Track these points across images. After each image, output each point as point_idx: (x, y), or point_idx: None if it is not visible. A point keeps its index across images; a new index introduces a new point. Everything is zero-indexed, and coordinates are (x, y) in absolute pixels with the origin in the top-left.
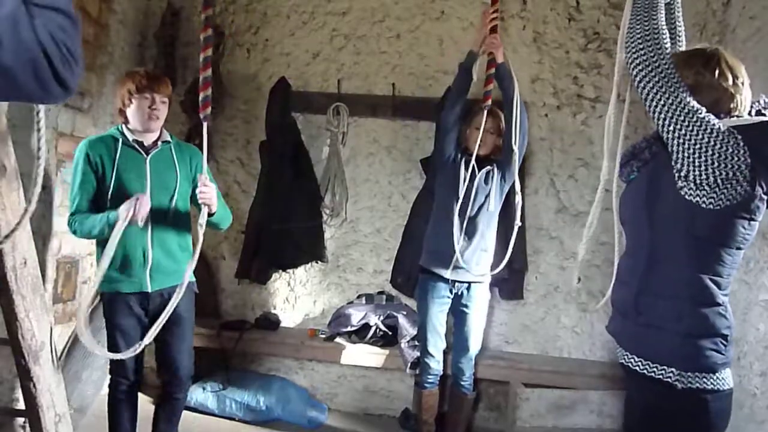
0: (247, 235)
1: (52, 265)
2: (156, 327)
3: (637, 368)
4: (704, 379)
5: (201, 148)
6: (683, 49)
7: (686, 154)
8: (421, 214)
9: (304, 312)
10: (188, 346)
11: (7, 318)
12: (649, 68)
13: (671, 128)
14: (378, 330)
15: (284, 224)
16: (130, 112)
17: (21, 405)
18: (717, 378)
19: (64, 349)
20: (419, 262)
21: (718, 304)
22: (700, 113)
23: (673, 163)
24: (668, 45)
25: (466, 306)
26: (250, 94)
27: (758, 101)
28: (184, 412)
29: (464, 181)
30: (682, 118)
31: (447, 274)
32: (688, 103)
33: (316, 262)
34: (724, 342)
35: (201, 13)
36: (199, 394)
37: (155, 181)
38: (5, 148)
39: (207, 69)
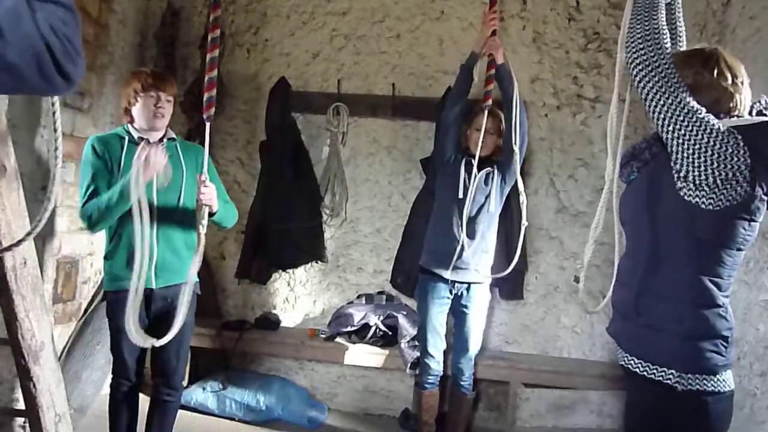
0: (247, 235)
1: (52, 265)
2: (172, 332)
3: (637, 370)
4: (705, 381)
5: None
6: (684, 49)
7: (686, 155)
8: (421, 214)
9: (304, 312)
10: (185, 351)
11: (7, 318)
12: (649, 68)
13: (671, 128)
14: (378, 330)
15: (284, 224)
16: (136, 110)
17: (21, 405)
18: (717, 380)
19: (64, 349)
20: (419, 263)
21: (719, 306)
22: (700, 113)
23: (672, 164)
24: (668, 45)
25: (465, 306)
26: (250, 94)
27: (759, 101)
28: (185, 412)
29: (463, 182)
30: (681, 118)
31: (447, 274)
32: (688, 103)
33: (316, 262)
34: (725, 344)
35: (209, 13)
36: (199, 394)
37: (162, 178)
38: (5, 148)
39: (213, 70)
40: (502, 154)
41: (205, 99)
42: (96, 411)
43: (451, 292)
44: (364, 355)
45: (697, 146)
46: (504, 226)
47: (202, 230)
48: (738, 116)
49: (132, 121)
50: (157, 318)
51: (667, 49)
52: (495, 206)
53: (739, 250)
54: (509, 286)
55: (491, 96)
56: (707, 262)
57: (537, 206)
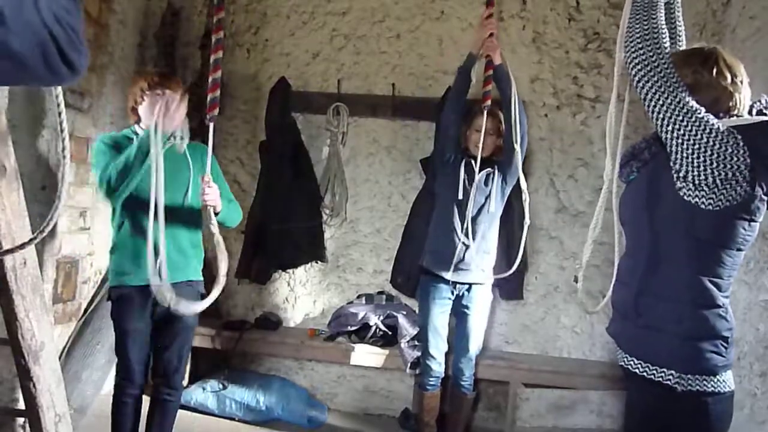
0: (247, 235)
1: (52, 265)
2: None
3: (636, 370)
4: (704, 382)
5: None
6: (683, 48)
7: (685, 155)
8: (421, 214)
9: (304, 312)
10: (187, 351)
11: (7, 318)
12: (648, 68)
13: (670, 128)
14: (378, 330)
15: (284, 224)
16: (143, 109)
17: (21, 405)
18: (717, 380)
19: (64, 349)
20: (421, 263)
21: (719, 306)
22: (699, 113)
23: (672, 164)
24: (667, 44)
25: (467, 307)
26: (250, 94)
27: (759, 101)
28: (185, 412)
29: (463, 183)
30: (680, 118)
31: (448, 275)
32: (687, 102)
33: (316, 262)
34: (725, 344)
35: (213, 15)
36: (199, 394)
37: (169, 176)
38: (5, 148)
39: (217, 71)
40: (502, 155)
41: (208, 100)
42: (96, 411)
43: (452, 293)
44: (364, 355)
45: (697, 146)
46: (505, 226)
47: (215, 229)
48: (737, 116)
49: (139, 121)
50: (161, 320)
51: (666, 48)
52: (495, 207)
53: (739, 250)
54: (509, 286)
55: (490, 96)
56: (707, 263)
57: (537, 206)
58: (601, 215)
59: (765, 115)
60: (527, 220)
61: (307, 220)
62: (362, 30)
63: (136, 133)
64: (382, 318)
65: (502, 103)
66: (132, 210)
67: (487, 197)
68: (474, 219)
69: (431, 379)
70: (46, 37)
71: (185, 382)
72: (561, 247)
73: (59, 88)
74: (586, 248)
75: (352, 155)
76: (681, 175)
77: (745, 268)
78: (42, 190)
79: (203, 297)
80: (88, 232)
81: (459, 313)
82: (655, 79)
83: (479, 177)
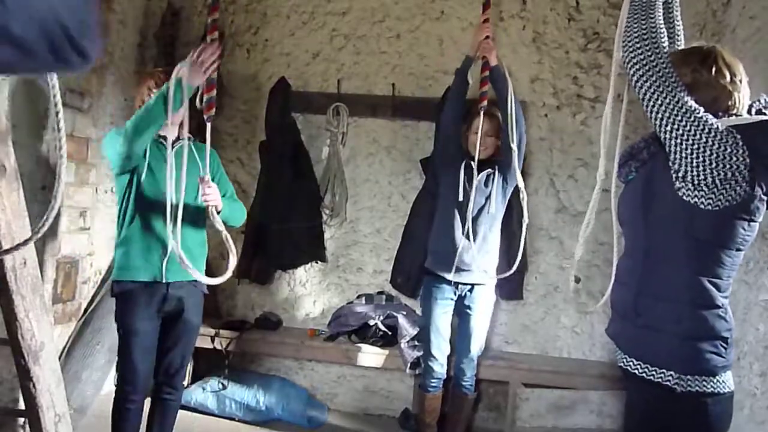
0: (247, 235)
1: (52, 265)
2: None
3: (636, 371)
4: (704, 383)
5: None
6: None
7: (684, 155)
8: (421, 214)
9: (304, 312)
10: (190, 352)
11: (7, 318)
12: (647, 67)
13: (668, 128)
14: (378, 330)
15: (284, 224)
16: None
17: (21, 405)
18: (717, 381)
19: (63, 349)
20: (424, 265)
21: (718, 307)
22: (698, 113)
23: (670, 164)
24: (666, 44)
25: (469, 308)
26: (250, 94)
27: (758, 100)
28: (185, 412)
29: (464, 184)
30: (679, 117)
31: (450, 276)
32: (686, 102)
33: (316, 263)
34: (724, 345)
35: (208, 15)
36: (199, 394)
37: (179, 174)
38: (5, 148)
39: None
40: (502, 155)
41: (205, 100)
42: (96, 411)
43: (455, 294)
44: (364, 355)
45: (696, 146)
46: (505, 226)
47: (221, 227)
48: (737, 115)
49: None
50: (168, 319)
51: (664, 47)
52: (496, 207)
53: (738, 250)
54: (509, 286)
55: (486, 97)
56: (706, 263)
57: (537, 206)
58: (593, 214)
59: (764, 114)
60: (526, 220)
61: (307, 220)
62: (362, 30)
63: None
64: (382, 318)
65: (498, 102)
66: (145, 205)
67: (488, 198)
68: (474, 220)
69: (433, 380)
70: (53, 21)
71: (185, 382)
72: (561, 248)
73: (57, 88)
74: (578, 248)
75: (352, 155)
76: (680, 175)
77: (744, 268)
78: (42, 190)
79: (205, 297)
80: (88, 232)
81: (461, 313)
82: (654, 78)
83: (479, 178)
